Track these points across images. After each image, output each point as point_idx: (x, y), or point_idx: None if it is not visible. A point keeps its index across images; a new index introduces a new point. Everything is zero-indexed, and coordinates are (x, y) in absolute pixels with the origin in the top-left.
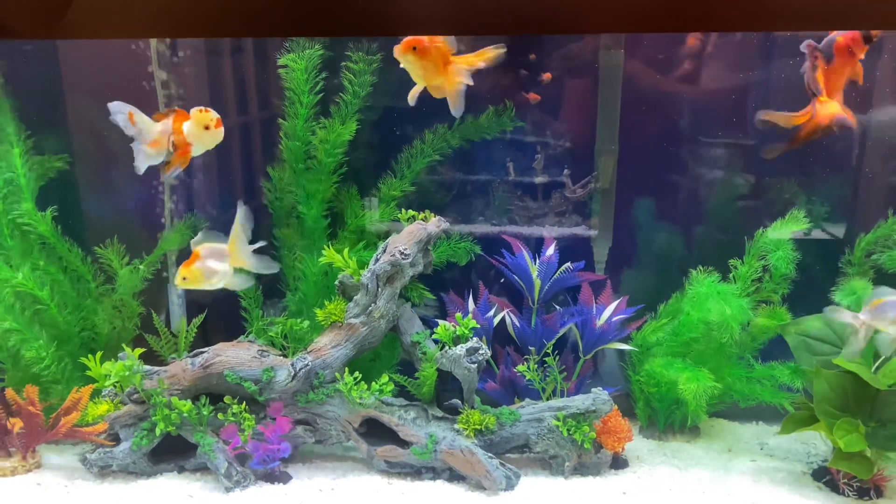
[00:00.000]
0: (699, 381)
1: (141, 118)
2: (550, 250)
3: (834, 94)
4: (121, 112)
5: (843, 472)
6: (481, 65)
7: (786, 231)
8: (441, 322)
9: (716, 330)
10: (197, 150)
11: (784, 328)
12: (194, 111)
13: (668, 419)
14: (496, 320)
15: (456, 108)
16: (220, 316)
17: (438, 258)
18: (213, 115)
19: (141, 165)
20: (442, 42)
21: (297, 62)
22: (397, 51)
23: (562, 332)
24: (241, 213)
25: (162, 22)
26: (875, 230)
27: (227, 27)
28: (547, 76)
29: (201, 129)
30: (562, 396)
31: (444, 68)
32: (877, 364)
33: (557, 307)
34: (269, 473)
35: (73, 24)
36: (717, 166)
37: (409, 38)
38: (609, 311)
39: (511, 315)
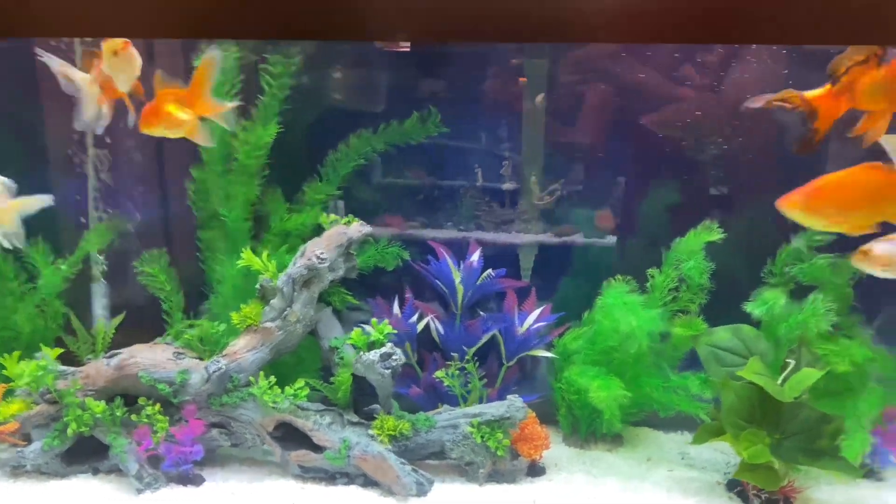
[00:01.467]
0: (610, 389)
1: (71, 71)
2: (475, 257)
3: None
4: (57, 71)
5: (752, 484)
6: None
7: (698, 241)
8: (356, 328)
9: (625, 340)
10: (122, 84)
11: (695, 339)
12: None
13: (589, 427)
14: (420, 326)
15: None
16: (143, 318)
17: (364, 263)
18: (118, 40)
19: (86, 118)
20: None
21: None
22: None
23: (485, 338)
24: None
25: (111, 21)
26: (797, 240)
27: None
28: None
29: (112, 57)
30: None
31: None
32: (783, 376)
33: (482, 313)
34: (183, 476)
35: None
36: (647, 174)
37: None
38: (532, 319)
39: (434, 321)
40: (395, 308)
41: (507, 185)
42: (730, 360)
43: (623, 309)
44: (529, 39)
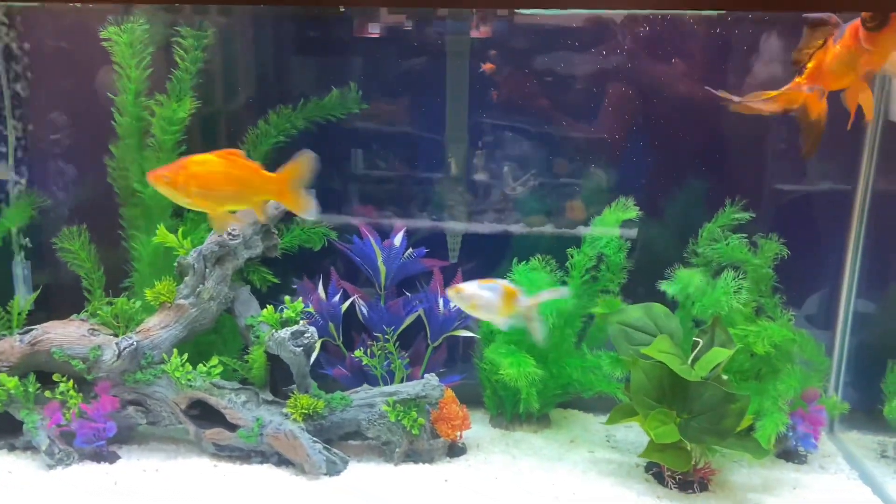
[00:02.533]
0: (521, 366)
1: None
2: (398, 237)
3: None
4: None
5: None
6: None
7: (615, 219)
8: (269, 306)
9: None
10: None
11: (605, 317)
12: None
13: (515, 408)
14: (345, 306)
15: None
16: (64, 295)
17: (290, 243)
18: None
19: None
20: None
21: (121, 35)
22: None
23: (410, 319)
24: None
25: None
26: (715, 220)
27: None
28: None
29: None
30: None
31: None
32: (693, 355)
33: (407, 294)
34: (97, 453)
35: None
36: (574, 154)
37: None
38: None
39: (359, 301)
40: (321, 289)
41: (480, 175)
42: (639, 339)
43: (528, 287)
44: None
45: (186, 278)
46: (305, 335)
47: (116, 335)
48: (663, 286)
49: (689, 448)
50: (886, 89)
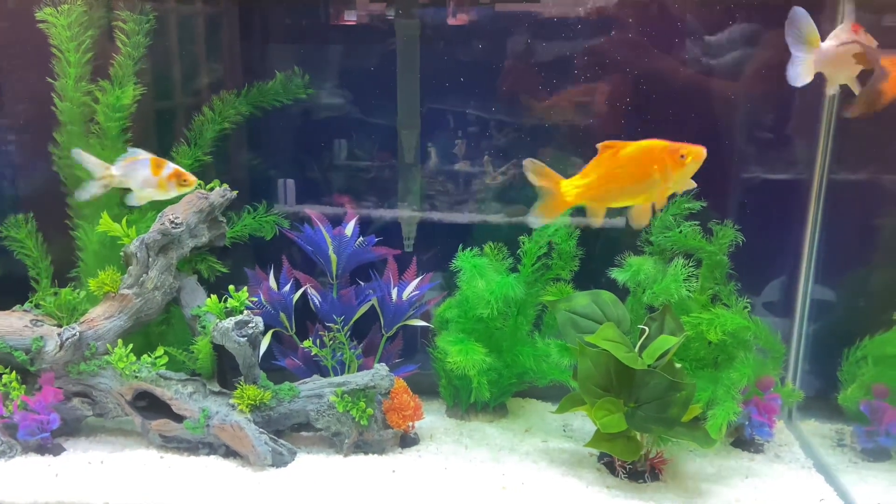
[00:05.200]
0: (468, 353)
1: None
2: (349, 226)
3: None
4: None
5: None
6: None
7: None
8: (213, 296)
9: (476, 303)
10: None
11: (553, 304)
12: None
13: (470, 399)
14: (297, 296)
15: None
16: (11, 286)
17: (240, 231)
18: None
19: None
20: None
21: (58, 17)
22: None
23: (364, 308)
24: None
25: None
26: (667, 209)
27: None
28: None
29: None
30: None
31: None
32: (640, 342)
33: (361, 283)
34: (41, 445)
35: None
36: (526, 140)
37: None
38: (411, 288)
39: (311, 291)
40: (272, 279)
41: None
42: (586, 326)
43: (472, 272)
44: None
45: (130, 268)
46: (250, 325)
47: (60, 326)
48: (613, 273)
49: (638, 438)
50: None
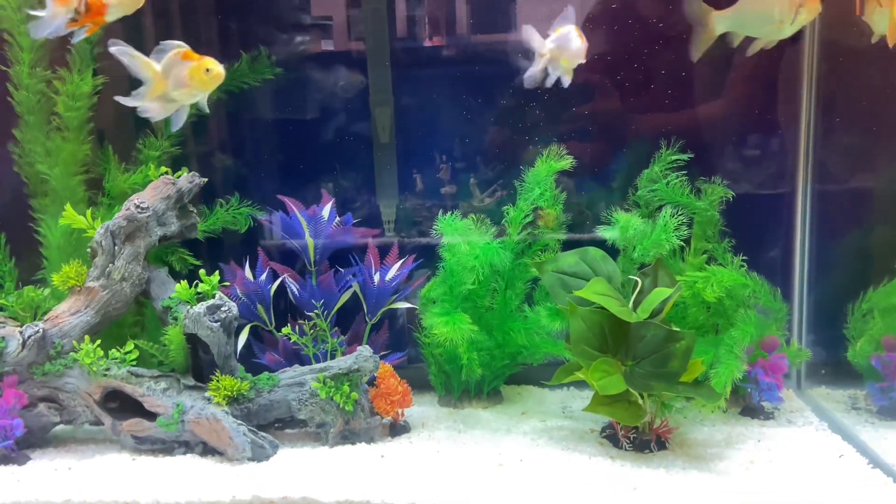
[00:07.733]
0: (455, 324)
1: None
2: (326, 208)
3: None
4: None
5: (622, 424)
6: None
7: (548, 169)
8: (183, 281)
9: (465, 276)
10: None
11: (540, 267)
12: None
13: (462, 384)
14: (273, 287)
15: None
16: None
17: (213, 224)
18: None
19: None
20: None
21: None
22: None
23: (346, 296)
24: None
25: None
26: (652, 165)
27: None
28: None
29: None
30: None
31: None
32: (633, 297)
33: (341, 270)
34: (5, 455)
35: None
36: (504, 115)
37: None
38: (393, 271)
39: (289, 280)
40: (247, 270)
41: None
42: (575, 285)
43: (455, 236)
44: None
45: (96, 259)
46: (222, 308)
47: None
48: (601, 231)
49: (639, 402)
50: None
